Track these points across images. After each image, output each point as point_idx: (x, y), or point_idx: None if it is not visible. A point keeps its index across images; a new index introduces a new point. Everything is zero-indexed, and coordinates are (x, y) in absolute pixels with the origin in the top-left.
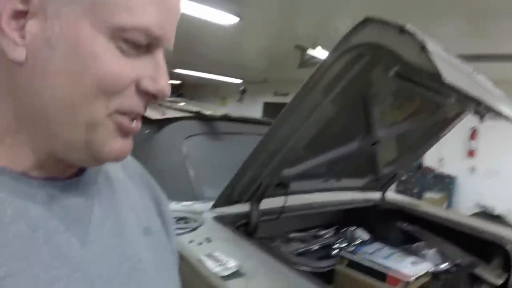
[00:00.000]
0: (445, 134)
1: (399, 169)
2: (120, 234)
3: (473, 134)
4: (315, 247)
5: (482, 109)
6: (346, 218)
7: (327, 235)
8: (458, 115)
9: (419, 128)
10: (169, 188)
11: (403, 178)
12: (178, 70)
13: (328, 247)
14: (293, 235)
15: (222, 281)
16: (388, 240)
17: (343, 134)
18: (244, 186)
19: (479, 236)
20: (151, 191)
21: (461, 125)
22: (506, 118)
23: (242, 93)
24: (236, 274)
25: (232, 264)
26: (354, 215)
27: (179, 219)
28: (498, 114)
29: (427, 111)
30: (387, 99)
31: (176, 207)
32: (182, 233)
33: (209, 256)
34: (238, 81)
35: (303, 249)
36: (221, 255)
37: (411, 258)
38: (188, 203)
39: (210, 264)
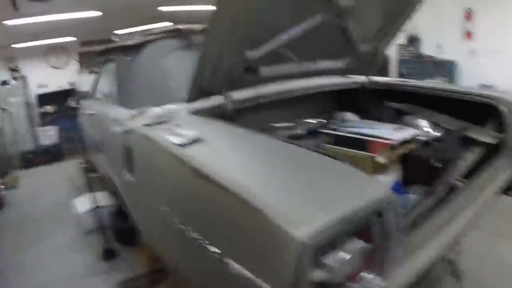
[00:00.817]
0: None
1: (379, 46)
2: None
3: (468, 15)
4: (302, 132)
5: None
6: (333, 103)
7: (315, 122)
8: None
9: None
10: (152, 97)
11: (403, 70)
12: None
13: (316, 132)
14: (279, 125)
15: (181, 148)
16: (379, 120)
17: (301, 6)
18: (211, 75)
19: (471, 100)
20: None
21: (454, 6)
22: None
23: None
24: (195, 142)
25: (192, 134)
26: (341, 99)
27: (155, 117)
28: None
29: None
30: None
31: (157, 110)
32: (154, 125)
33: (174, 134)
34: None
35: (289, 135)
36: (185, 131)
37: (395, 126)
38: (168, 105)
39: (173, 138)
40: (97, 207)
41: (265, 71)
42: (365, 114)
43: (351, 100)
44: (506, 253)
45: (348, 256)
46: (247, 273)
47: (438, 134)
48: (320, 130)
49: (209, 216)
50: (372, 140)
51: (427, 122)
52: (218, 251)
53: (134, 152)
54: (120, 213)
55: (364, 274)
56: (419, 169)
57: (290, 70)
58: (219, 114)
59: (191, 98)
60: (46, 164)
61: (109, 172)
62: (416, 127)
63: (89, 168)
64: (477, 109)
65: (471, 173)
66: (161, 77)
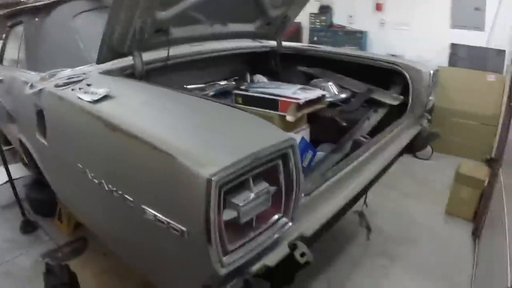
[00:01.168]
0: None
1: (288, 12)
2: None
3: None
4: (212, 93)
5: None
6: (244, 66)
7: (225, 84)
8: None
9: None
10: (63, 59)
11: (315, 39)
12: None
13: (227, 94)
14: (190, 86)
15: (92, 105)
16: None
17: None
18: (121, 35)
19: (378, 66)
20: None
21: None
22: None
23: None
24: (105, 98)
25: (102, 91)
26: (252, 62)
27: (65, 78)
28: None
29: None
30: None
31: (67, 71)
32: (66, 87)
33: (85, 92)
34: None
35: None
36: (95, 88)
37: (302, 86)
38: (79, 67)
39: (83, 96)
40: (12, 179)
41: (175, 32)
42: (275, 77)
43: (261, 63)
44: (411, 210)
45: (254, 196)
46: (163, 217)
47: (345, 95)
48: (231, 91)
49: (122, 166)
50: (279, 99)
51: (334, 85)
52: (133, 199)
53: (45, 114)
54: (36, 184)
55: (276, 217)
56: (326, 128)
57: (201, 32)
58: (129, 74)
59: (101, 59)
60: None
61: (22, 140)
62: (324, 89)
63: (1, 141)
64: (384, 74)
65: (376, 132)
66: (71, 38)
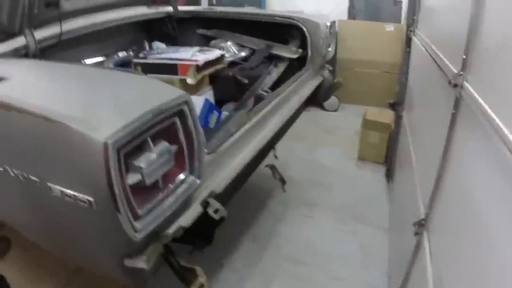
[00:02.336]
0: None
1: None
2: None
3: None
4: (111, 65)
5: None
6: (142, 34)
7: (124, 55)
8: None
9: None
10: None
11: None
12: None
13: (125, 64)
14: (88, 60)
15: None
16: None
17: None
18: (9, 13)
19: (277, 22)
20: None
21: None
22: None
23: None
24: None
25: None
26: (148, 30)
27: None
28: None
29: None
30: None
31: None
32: None
33: None
34: None
35: None
36: None
37: (200, 48)
38: None
39: None
40: None
41: (66, 5)
42: (174, 42)
43: (159, 30)
44: (324, 158)
45: (155, 156)
46: (69, 191)
47: (244, 53)
48: (130, 61)
49: (22, 146)
50: (178, 63)
51: (233, 44)
52: (38, 179)
53: None
54: None
55: (182, 176)
56: (228, 87)
57: (93, 3)
58: (24, 55)
59: None
60: None
61: None
62: (223, 49)
63: None
64: (283, 30)
65: (278, 86)
66: None
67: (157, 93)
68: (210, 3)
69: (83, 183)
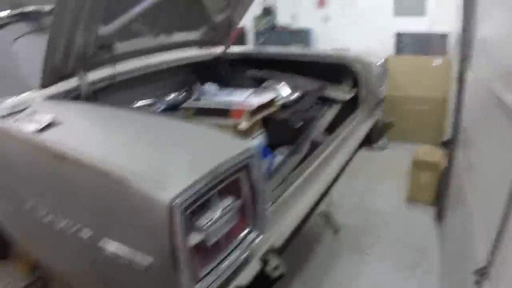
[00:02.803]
0: None
1: (232, 16)
2: None
3: None
4: (163, 107)
5: None
6: (192, 76)
7: (174, 97)
8: None
9: None
10: (4, 88)
11: (260, 42)
12: None
13: (177, 106)
14: (138, 103)
15: (37, 135)
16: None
17: None
18: (63, 56)
19: (327, 62)
20: None
21: None
22: None
23: None
24: (50, 126)
25: (46, 119)
26: (200, 71)
27: (8, 108)
28: None
29: None
30: None
31: (9, 100)
32: (9, 116)
33: (29, 121)
34: None
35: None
36: (39, 117)
37: (252, 91)
38: (22, 95)
39: (27, 126)
40: None
41: (120, 47)
42: (225, 84)
43: (210, 71)
44: (373, 200)
45: (219, 214)
46: (125, 249)
47: (297, 95)
48: (181, 104)
49: (75, 198)
50: (230, 108)
51: (286, 85)
52: (91, 234)
53: None
54: None
55: (243, 232)
56: (282, 130)
57: (146, 45)
58: (76, 97)
59: (45, 83)
60: None
61: None
62: (275, 90)
63: None
64: (333, 70)
65: (332, 128)
66: (10, 64)
67: (222, 146)
68: (257, 42)
69: (141, 244)
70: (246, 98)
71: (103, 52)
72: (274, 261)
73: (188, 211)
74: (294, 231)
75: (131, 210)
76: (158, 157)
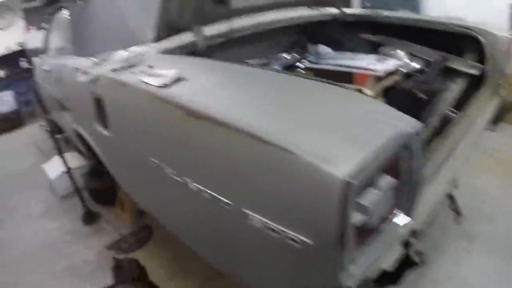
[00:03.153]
0: None
1: None
2: None
3: None
4: (277, 67)
5: None
6: (302, 37)
7: (289, 57)
8: None
9: None
10: (113, 41)
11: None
12: None
13: (292, 67)
14: (252, 61)
15: (163, 89)
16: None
17: None
18: (179, 9)
19: (449, 30)
20: None
21: None
22: None
23: None
24: (177, 81)
25: (171, 74)
26: (313, 32)
27: (123, 62)
28: None
29: None
30: None
31: (122, 53)
32: (124, 71)
33: (150, 75)
34: None
35: None
36: (161, 70)
37: (377, 57)
38: (133, 48)
39: (151, 81)
40: (69, 169)
41: (235, 2)
42: (337, 47)
43: (321, 33)
44: (485, 185)
45: (381, 194)
46: (275, 225)
47: (418, 65)
48: (296, 64)
49: (214, 163)
50: (357, 72)
51: (405, 53)
52: (231, 202)
53: (106, 103)
54: (94, 173)
55: (394, 213)
56: (404, 101)
57: (260, 2)
58: (190, 52)
59: (159, 37)
60: (7, 133)
61: (78, 129)
62: (393, 58)
63: (54, 130)
64: (455, 41)
65: (459, 104)
66: (120, 17)
67: (387, 119)
68: (363, 6)
69: (300, 221)
70: (371, 63)
71: (219, 7)
72: (416, 245)
73: (358, 190)
74: (432, 213)
75: (289, 183)
76: (313, 124)
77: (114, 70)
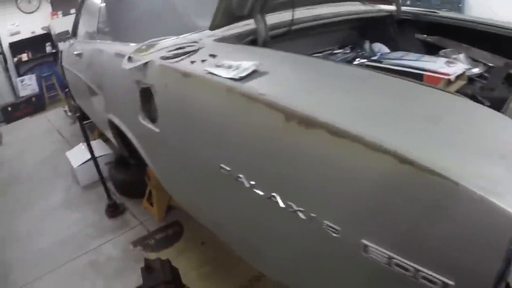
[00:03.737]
0: None
1: None
2: None
3: None
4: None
5: None
6: (360, 33)
7: (344, 53)
8: None
9: None
10: (159, 27)
11: (408, 2)
12: None
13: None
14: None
15: (241, 83)
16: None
17: None
18: None
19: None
20: None
21: None
22: None
23: None
24: (255, 74)
25: (247, 65)
26: (368, 29)
27: (175, 49)
28: None
29: None
30: None
31: (172, 40)
32: (181, 59)
33: (218, 66)
34: None
35: None
36: (231, 62)
37: (444, 59)
38: (184, 35)
39: (221, 72)
40: (95, 158)
41: None
42: (392, 45)
43: (375, 30)
44: None
45: None
46: (402, 260)
47: (479, 70)
48: (350, 61)
49: (315, 178)
50: (428, 75)
51: (466, 58)
52: (341, 229)
53: (156, 94)
54: (120, 163)
55: None
56: None
57: None
58: (249, 42)
59: (217, 24)
60: (29, 116)
61: (112, 119)
62: (462, 62)
63: (80, 116)
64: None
65: None
66: (168, 2)
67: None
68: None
69: (444, 259)
70: (441, 66)
71: None
72: None
73: None
74: None
75: (441, 216)
76: (467, 147)
77: (164, 58)
